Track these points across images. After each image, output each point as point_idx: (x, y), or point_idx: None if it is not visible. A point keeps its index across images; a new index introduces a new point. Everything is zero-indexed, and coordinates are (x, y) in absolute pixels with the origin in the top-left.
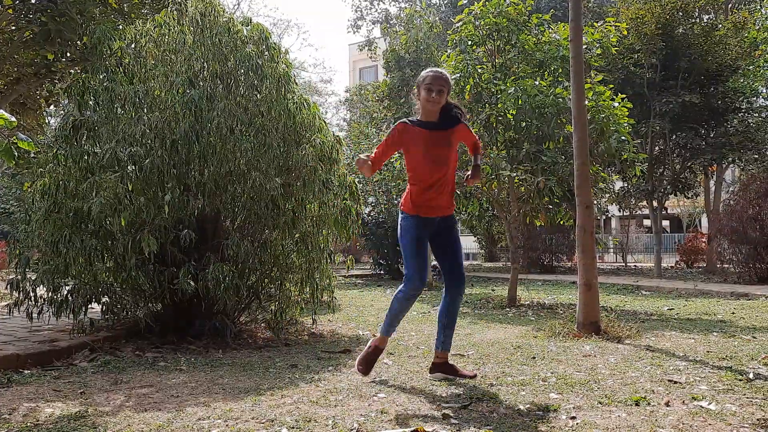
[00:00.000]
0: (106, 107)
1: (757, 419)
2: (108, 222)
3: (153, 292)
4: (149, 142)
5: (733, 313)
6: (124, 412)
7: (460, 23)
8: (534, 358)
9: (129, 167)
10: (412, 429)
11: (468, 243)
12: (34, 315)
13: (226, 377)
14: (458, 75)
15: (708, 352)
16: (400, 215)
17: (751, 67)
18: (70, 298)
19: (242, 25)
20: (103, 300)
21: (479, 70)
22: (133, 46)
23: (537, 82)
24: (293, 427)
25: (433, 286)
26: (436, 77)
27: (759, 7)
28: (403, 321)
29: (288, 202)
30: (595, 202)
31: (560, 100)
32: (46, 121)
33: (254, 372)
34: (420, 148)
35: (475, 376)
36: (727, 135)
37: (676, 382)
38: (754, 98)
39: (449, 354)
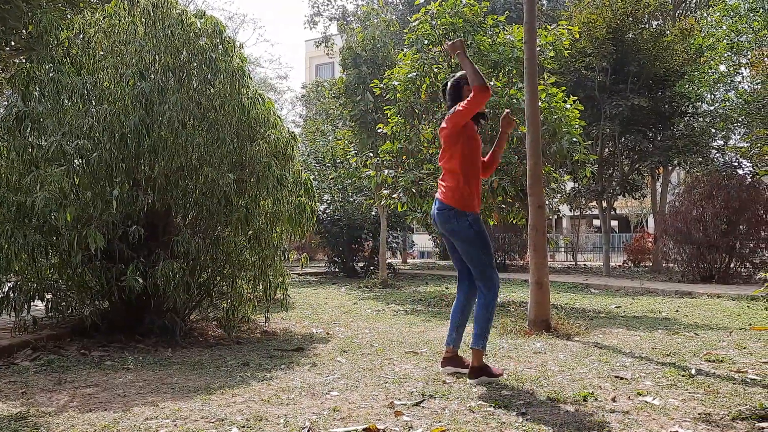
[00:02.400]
0: (52, 98)
1: (699, 413)
2: (53, 217)
3: (100, 290)
4: (97, 135)
5: (677, 311)
6: (67, 413)
7: (417, 22)
8: (486, 355)
9: (75, 161)
10: (364, 427)
11: (423, 241)
12: None
13: (175, 376)
14: (414, 74)
15: (653, 348)
16: (468, 217)
17: (696, 72)
18: (11, 295)
19: (195, 17)
20: (47, 297)
21: (435, 70)
22: (81, 36)
23: (492, 83)
24: (244, 426)
25: (388, 284)
26: None
27: (705, 15)
28: (357, 318)
29: (241, 198)
30: (547, 202)
31: (514, 101)
32: None
33: (204, 371)
34: (479, 139)
35: (500, 373)
36: (673, 138)
37: (622, 378)
38: (699, 103)
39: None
